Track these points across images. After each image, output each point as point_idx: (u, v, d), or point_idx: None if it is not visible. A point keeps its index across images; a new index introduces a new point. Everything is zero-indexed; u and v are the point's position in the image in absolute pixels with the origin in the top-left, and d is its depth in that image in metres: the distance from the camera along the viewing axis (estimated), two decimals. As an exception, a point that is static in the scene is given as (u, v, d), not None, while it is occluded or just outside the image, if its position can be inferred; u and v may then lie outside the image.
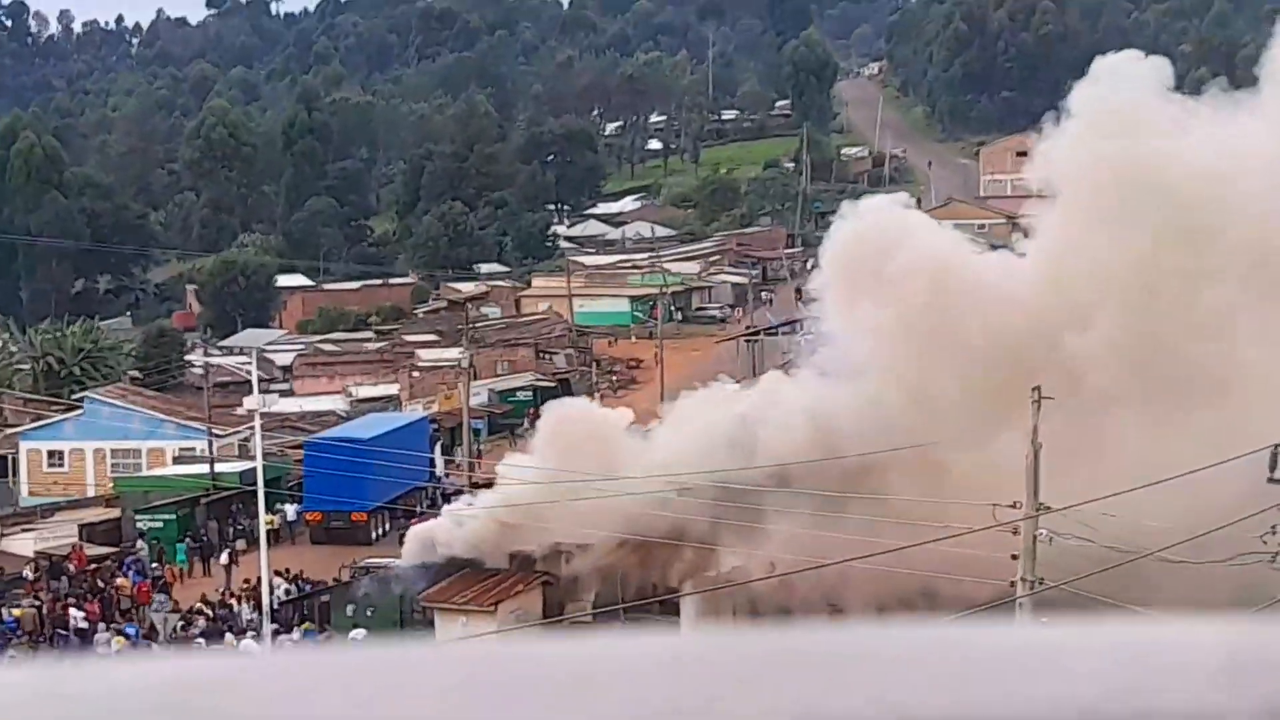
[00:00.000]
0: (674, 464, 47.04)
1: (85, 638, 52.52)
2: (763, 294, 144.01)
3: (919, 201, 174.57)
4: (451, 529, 50.96)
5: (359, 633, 47.43)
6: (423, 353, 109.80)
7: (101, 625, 52.88)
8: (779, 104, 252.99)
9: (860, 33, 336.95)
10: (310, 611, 54.14)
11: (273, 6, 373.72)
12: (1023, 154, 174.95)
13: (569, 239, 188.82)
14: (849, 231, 53.32)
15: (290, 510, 67.38)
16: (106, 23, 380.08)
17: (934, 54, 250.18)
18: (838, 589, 43.50)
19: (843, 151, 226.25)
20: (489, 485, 55.15)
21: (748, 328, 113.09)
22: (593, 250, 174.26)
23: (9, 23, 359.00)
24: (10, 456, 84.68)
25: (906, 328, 48.12)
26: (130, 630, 52.26)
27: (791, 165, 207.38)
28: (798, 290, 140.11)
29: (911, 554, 37.10)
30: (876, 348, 48.93)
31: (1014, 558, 35.47)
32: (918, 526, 38.40)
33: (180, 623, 53.53)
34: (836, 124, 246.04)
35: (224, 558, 61.72)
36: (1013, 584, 35.24)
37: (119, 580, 58.01)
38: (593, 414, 56.40)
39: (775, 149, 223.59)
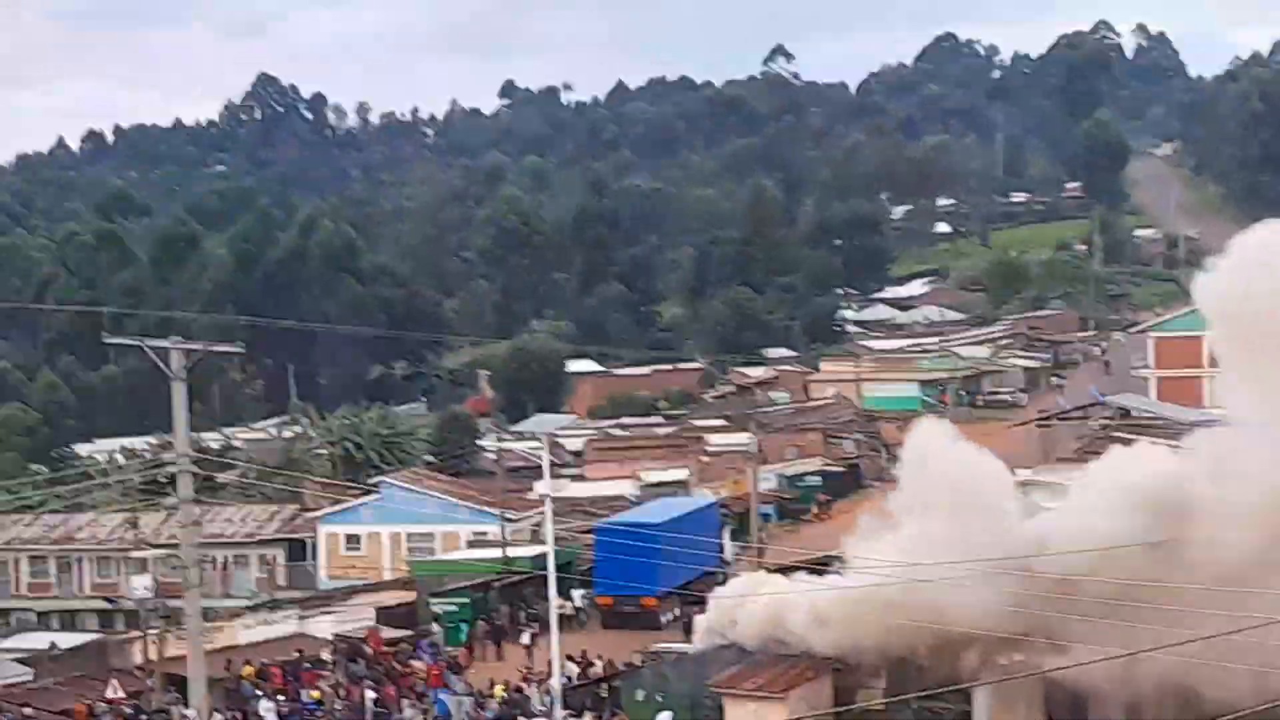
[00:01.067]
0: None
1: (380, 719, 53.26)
2: (1054, 378, 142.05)
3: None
4: (748, 616, 50.46)
5: (665, 716, 47.28)
6: (711, 437, 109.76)
7: (395, 707, 53.50)
8: (1069, 185, 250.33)
9: (1153, 113, 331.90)
10: (602, 696, 54.18)
11: (563, 95, 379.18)
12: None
13: (857, 323, 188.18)
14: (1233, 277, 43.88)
15: (578, 596, 67.47)
16: (402, 114, 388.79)
17: (1229, 133, 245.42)
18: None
19: (1135, 233, 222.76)
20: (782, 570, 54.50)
21: (1040, 412, 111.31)
22: (881, 334, 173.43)
23: (310, 115, 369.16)
24: (310, 540, 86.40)
25: None
26: (441, 709, 52.84)
27: (1083, 247, 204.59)
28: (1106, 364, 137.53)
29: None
30: None
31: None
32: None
33: (473, 705, 53.89)
34: (1129, 205, 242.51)
35: (525, 638, 62.03)
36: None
37: (414, 663, 58.67)
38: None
39: (1066, 231, 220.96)
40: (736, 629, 50.30)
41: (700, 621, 53.21)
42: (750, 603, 50.19)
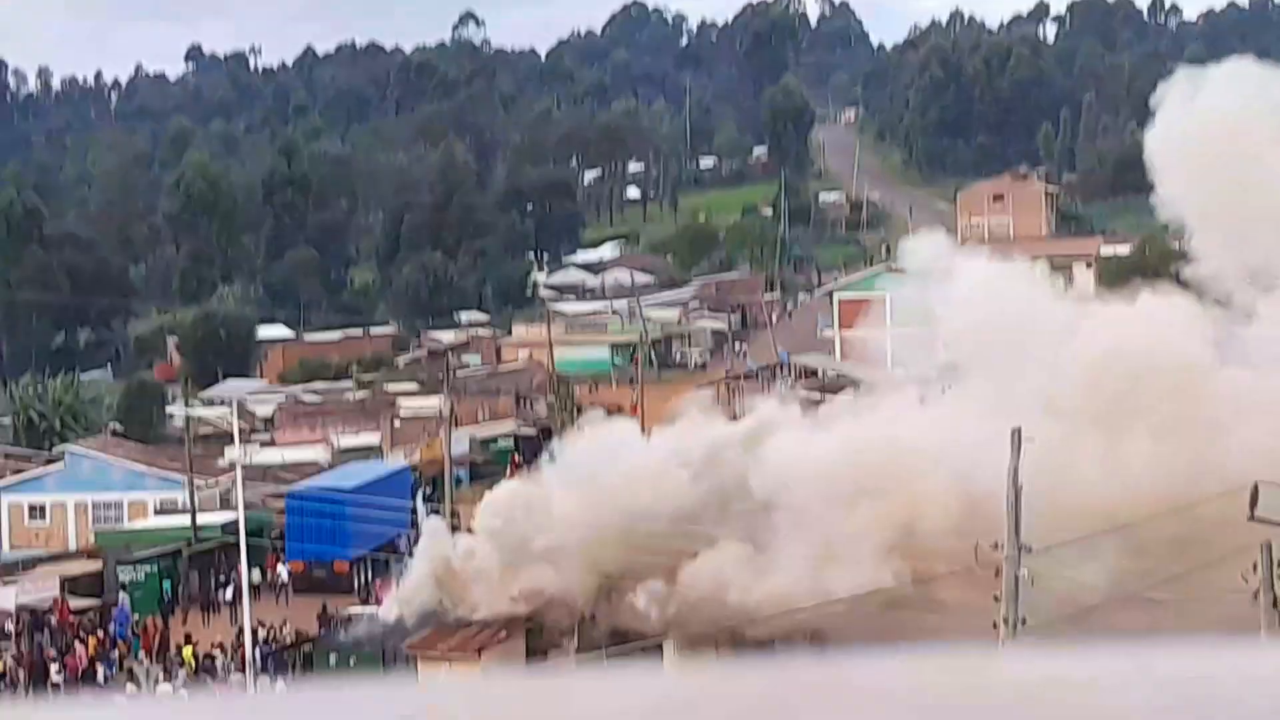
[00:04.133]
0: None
1: (66, 690, 52.54)
2: (741, 340, 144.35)
3: (886, 251, 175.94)
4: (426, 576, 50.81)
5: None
6: (404, 402, 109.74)
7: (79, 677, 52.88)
8: (756, 151, 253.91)
9: (837, 80, 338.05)
10: (295, 661, 54.13)
11: (251, 60, 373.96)
12: (999, 198, 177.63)
13: (549, 287, 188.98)
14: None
15: (284, 572, 66.78)
16: (85, 78, 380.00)
17: (910, 100, 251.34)
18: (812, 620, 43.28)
19: (820, 197, 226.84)
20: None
21: (727, 373, 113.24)
22: (573, 298, 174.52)
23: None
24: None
25: None
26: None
27: (770, 211, 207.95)
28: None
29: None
30: None
31: (996, 599, 35.46)
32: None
33: (161, 674, 53.49)
34: (814, 170, 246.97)
35: (227, 596, 61.65)
36: (995, 626, 35.18)
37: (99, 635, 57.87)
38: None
39: (753, 195, 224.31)
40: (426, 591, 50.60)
41: (399, 588, 53.27)
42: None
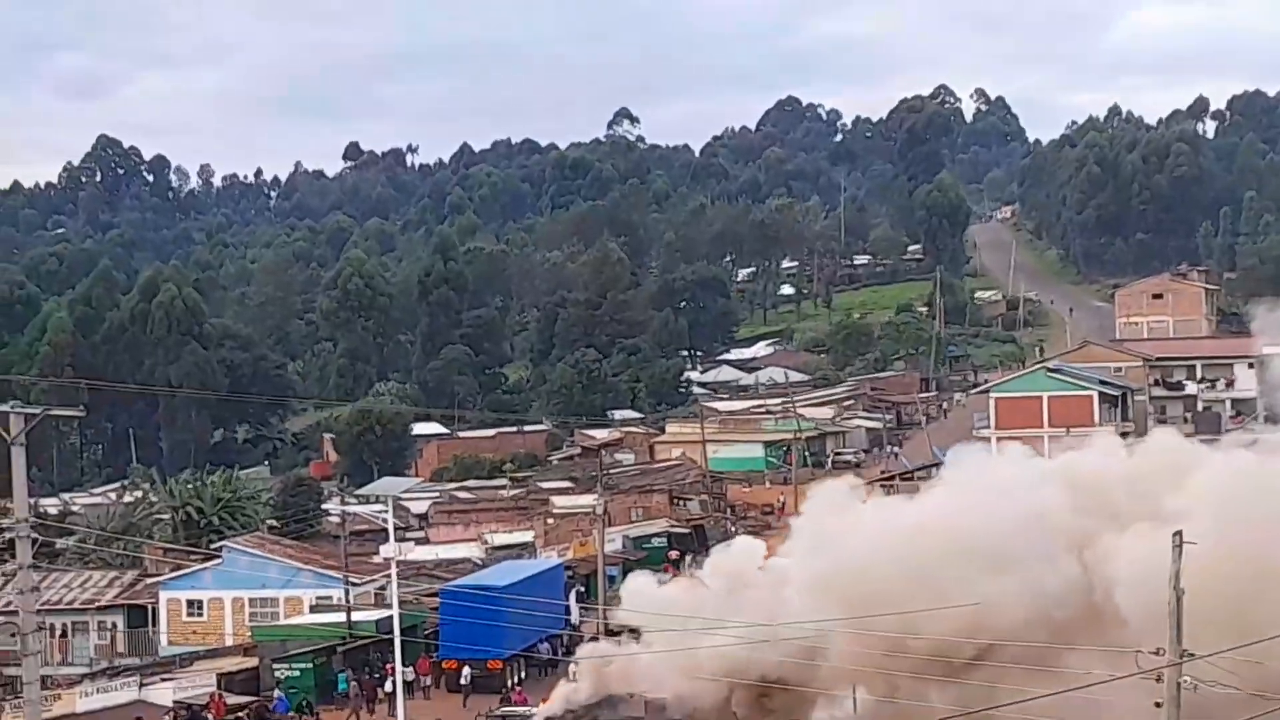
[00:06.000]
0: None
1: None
2: (896, 439, 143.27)
3: (1040, 351, 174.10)
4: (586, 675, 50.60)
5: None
6: (557, 499, 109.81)
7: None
8: (911, 249, 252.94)
9: (992, 177, 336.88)
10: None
11: (408, 159, 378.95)
12: (1158, 296, 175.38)
13: (702, 385, 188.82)
14: None
15: (409, 671, 66.39)
16: (245, 176, 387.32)
17: (1067, 197, 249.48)
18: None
19: (976, 295, 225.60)
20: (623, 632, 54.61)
21: (882, 473, 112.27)
22: (726, 396, 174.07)
23: (151, 177, 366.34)
24: (151, 606, 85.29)
25: None
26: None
27: (925, 310, 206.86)
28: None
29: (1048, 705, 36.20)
30: None
31: (1157, 705, 34.59)
32: (1055, 673, 37.62)
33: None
34: (970, 268, 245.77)
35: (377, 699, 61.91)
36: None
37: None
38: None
39: (908, 293, 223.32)
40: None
41: (563, 686, 52.91)
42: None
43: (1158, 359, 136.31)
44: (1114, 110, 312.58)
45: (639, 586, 53.09)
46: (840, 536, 46.06)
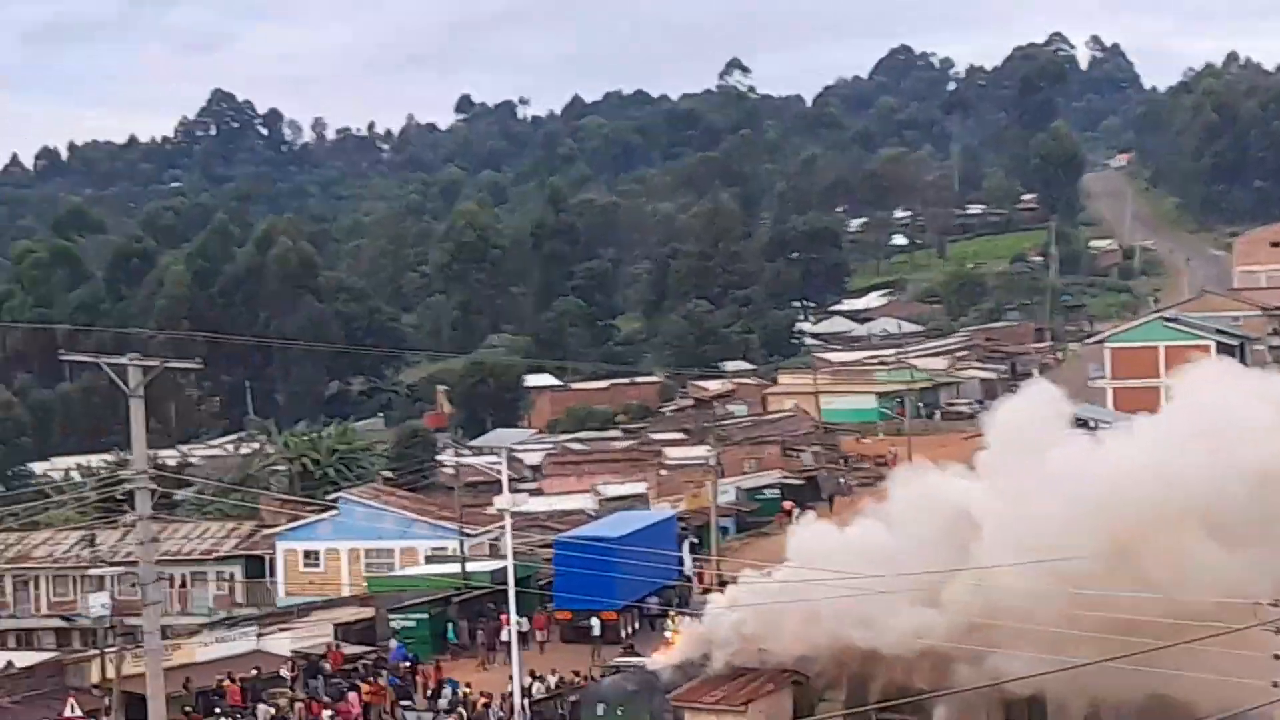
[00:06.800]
0: None
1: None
2: (1010, 390, 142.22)
3: (1156, 300, 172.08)
4: (702, 629, 50.41)
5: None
6: (670, 451, 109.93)
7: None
8: (1025, 197, 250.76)
9: (1108, 124, 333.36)
10: (562, 710, 54.19)
11: (519, 110, 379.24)
12: (1277, 244, 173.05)
13: (815, 336, 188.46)
14: None
15: (524, 622, 66.33)
16: (358, 129, 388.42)
17: (1183, 144, 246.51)
18: (1092, 688, 41.54)
19: (1091, 244, 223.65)
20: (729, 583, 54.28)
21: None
22: (839, 346, 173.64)
23: (265, 131, 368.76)
24: (268, 557, 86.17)
25: None
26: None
27: (1039, 259, 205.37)
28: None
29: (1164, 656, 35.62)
30: None
31: (1277, 658, 33.91)
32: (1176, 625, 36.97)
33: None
34: (1084, 216, 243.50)
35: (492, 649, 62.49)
36: (1276, 685, 33.61)
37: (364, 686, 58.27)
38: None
39: (1022, 242, 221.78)
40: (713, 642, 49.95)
41: (686, 635, 52.49)
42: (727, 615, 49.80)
43: (1276, 308, 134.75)
44: (1231, 57, 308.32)
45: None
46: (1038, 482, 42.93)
